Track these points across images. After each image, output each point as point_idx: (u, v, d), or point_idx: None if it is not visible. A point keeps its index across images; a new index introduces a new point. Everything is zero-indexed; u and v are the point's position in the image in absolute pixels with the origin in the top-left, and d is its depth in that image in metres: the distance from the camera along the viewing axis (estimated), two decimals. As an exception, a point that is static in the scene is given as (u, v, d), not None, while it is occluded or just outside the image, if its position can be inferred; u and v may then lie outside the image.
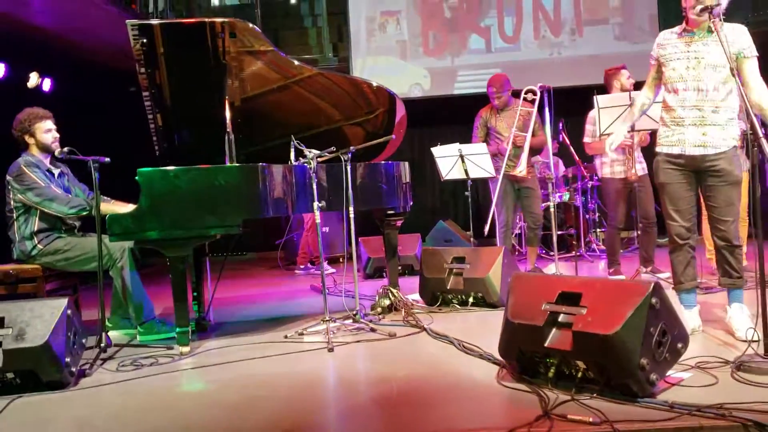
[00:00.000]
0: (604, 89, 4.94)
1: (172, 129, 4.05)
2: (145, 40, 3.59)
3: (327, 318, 3.63)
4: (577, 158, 6.89)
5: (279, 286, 6.15)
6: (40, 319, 2.85)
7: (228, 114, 3.82)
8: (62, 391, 2.87)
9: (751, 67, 3.08)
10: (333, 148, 3.71)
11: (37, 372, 2.82)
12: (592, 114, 4.78)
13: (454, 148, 5.06)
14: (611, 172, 4.95)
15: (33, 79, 6.61)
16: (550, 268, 5.38)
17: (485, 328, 3.61)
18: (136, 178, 3.36)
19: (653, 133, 4.46)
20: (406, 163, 4.49)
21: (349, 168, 3.79)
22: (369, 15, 8.65)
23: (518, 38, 8.50)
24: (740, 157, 3.25)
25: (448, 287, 4.29)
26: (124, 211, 3.49)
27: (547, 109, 4.86)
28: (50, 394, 2.84)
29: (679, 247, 3.24)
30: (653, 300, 2.33)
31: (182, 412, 2.59)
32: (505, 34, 8.54)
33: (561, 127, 6.75)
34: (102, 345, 3.44)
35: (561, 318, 2.49)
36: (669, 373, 2.46)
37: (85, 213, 3.86)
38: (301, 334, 3.72)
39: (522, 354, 2.61)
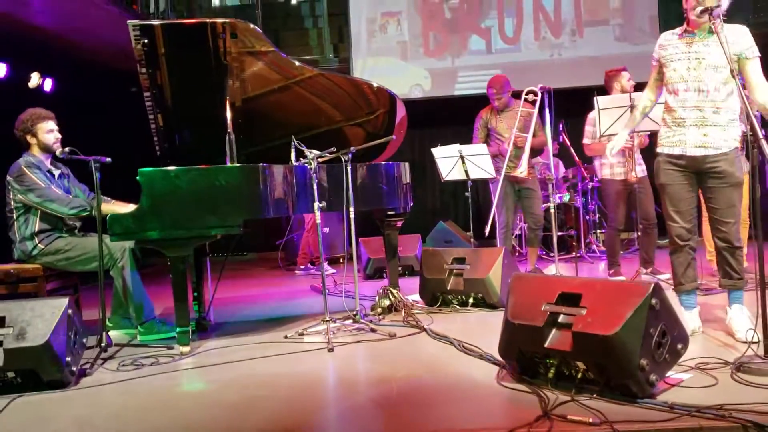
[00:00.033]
0: (604, 90, 4.94)
1: (172, 129, 4.06)
2: (146, 41, 3.60)
3: (327, 318, 3.63)
4: (577, 159, 6.90)
5: (279, 287, 6.16)
6: (41, 318, 2.85)
7: (229, 114, 3.82)
8: (63, 390, 2.88)
9: (754, 68, 3.07)
10: (333, 149, 3.72)
11: (37, 371, 2.83)
12: (592, 115, 4.78)
13: (454, 148, 5.06)
14: (611, 173, 4.95)
15: (34, 79, 6.62)
16: (551, 269, 5.39)
17: (485, 328, 3.61)
18: (137, 178, 3.37)
19: (652, 135, 4.47)
20: (407, 164, 4.49)
21: (349, 168, 3.80)
22: (370, 16, 8.66)
23: (519, 39, 8.51)
24: (741, 158, 3.25)
25: (448, 288, 4.30)
26: (125, 211, 3.50)
27: (547, 110, 4.86)
28: (51, 393, 2.85)
29: (680, 249, 3.24)
30: (653, 301, 2.33)
31: (182, 411, 2.59)
32: (505, 35, 8.54)
33: (561, 128, 6.75)
34: (102, 345, 3.44)
35: (561, 319, 2.49)
36: (669, 374, 2.46)
37: (85, 214, 3.87)
38: (302, 334, 3.72)
39: (522, 354, 2.61)
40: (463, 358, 3.10)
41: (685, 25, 3.17)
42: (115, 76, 7.47)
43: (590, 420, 2.14)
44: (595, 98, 4.44)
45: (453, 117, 8.47)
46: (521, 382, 2.60)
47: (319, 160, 3.68)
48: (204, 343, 3.71)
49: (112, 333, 3.87)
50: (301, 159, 3.72)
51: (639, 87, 4.64)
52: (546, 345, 2.48)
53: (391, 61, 8.63)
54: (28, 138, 3.92)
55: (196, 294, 4.15)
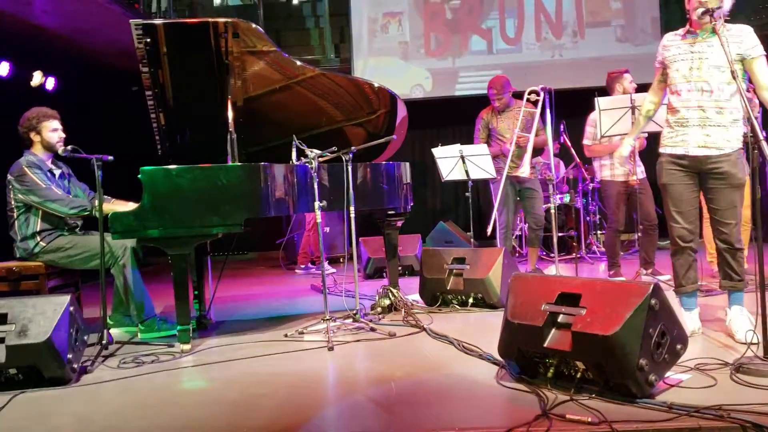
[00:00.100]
0: (605, 92, 4.94)
1: (174, 128, 4.06)
2: (148, 40, 3.60)
3: (327, 317, 3.64)
4: (578, 160, 6.90)
5: (280, 286, 6.17)
6: (42, 315, 2.86)
7: (230, 113, 3.83)
8: (64, 387, 2.89)
9: (760, 66, 3.06)
10: (334, 148, 3.73)
11: (39, 368, 2.84)
12: (593, 116, 4.78)
13: (455, 149, 5.07)
14: (611, 174, 4.95)
15: (36, 77, 6.63)
16: (551, 270, 5.39)
17: (485, 328, 3.62)
18: (139, 176, 3.38)
19: (649, 137, 4.47)
20: (407, 164, 4.50)
21: (350, 168, 3.81)
22: (371, 16, 8.68)
23: (520, 40, 8.52)
24: (743, 159, 3.25)
25: (448, 288, 4.31)
26: (124, 209, 3.51)
27: (548, 111, 4.87)
28: (52, 390, 2.86)
29: (681, 250, 3.23)
30: (652, 301, 2.33)
31: (183, 409, 2.60)
32: (506, 35, 8.55)
33: (562, 129, 6.76)
34: (103, 342, 3.46)
35: (560, 318, 2.50)
36: (668, 374, 2.47)
37: (85, 213, 3.88)
38: (302, 333, 3.73)
39: (521, 354, 2.62)
40: (463, 357, 3.10)
41: (687, 26, 3.18)
42: (117, 75, 7.49)
43: (589, 419, 2.14)
44: (595, 99, 4.45)
45: (454, 117, 8.49)
46: (520, 381, 2.61)
47: (319, 159, 3.69)
48: (204, 341, 3.72)
49: (113, 331, 3.89)
50: (302, 158, 3.73)
51: (641, 89, 4.65)
52: (545, 345, 2.49)
53: (392, 61, 8.64)
54: (32, 135, 3.93)
55: (196, 292, 4.16)
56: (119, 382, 2.97)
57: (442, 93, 8.58)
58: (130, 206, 3.69)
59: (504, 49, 8.55)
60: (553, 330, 2.50)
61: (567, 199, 7.23)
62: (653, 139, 3.61)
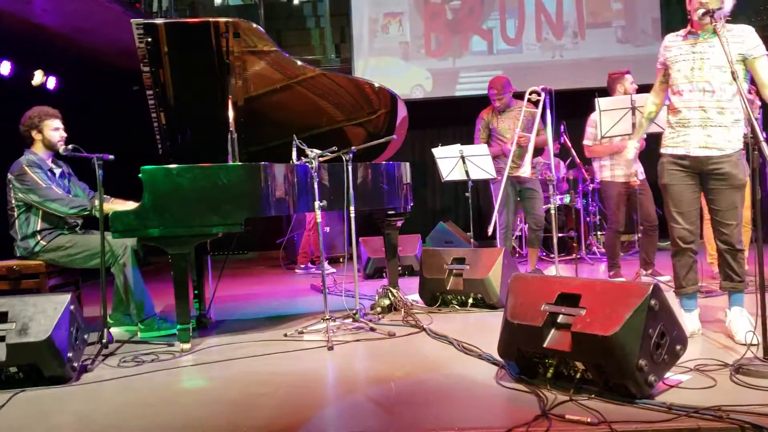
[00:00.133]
0: (606, 92, 4.95)
1: (175, 128, 4.07)
2: (149, 39, 3.61)
3: (327, 317, 3.64)
4: (578, 161, 6.90)
5: (280, 285, 6.17)
6: (43, 314, 2.86)
7: (231, 113, 3.83)
8: (64, 386, 2.89)
9: (762, 66, 3.06)
10: (334, 148, 3.73)
11: (39, 366, 2.84)
12: (594, 116, 4.78)
13: (455, 149, 5.07)
14: (612, 175, 4.94)
15: (38, 76, 6.63)
16: (551, 271, 5.39)
17: (484, 328, 3.62)
18: (140, 175, 3.38)
19: (649, 138, 4.47)
20: (407, 164, 4.50)
21: (350, 168, 3.81)
22: (372, 16, 8.68)
23: (520, 40, 8.52)
24: (744, 160, 3.25)
25: (448, 288, 4.31)
26: (124, 208, 3.51)
27: (548, 111, 4.87)
28: (52, 388, 2.86)
29: (682, 251, 3.22)
30: (652, 302, 2.34)
31: (182, 408, 2.60)
32: (507, 36, 8.56)
33: (562, 130, 6.76)
34: (104, 341, 3.46)
35: (560, 319, 2.50)
36: (668, 375, 2.47)
37: (85, 213, 3.89)
38: (301, 332, 3.73)
39: (521, 354, 2.62)
40: (463, 357, 3.10)
41: (689, 27, 3.18)
42: (118, 74, 7.49)
43: (588, 420, 2.14)
44: (596, 99, 4.45)
45: (454, 118, 8.49)
46: (520, 381, 2.61)
47: (320, 159, 3.69)
48: (204, 340, 3.72)
49: (113, 330, 3.89)
50: (303, 158, 3.73)
51: (642, 90, 4.65)
52: (545, 345, 2.49)
53: (392, 61, 8.65)
54: (34, 134, 3.94)
55: (196, 292, 4.16)
56: (119, 381, 2.97)
57: (442, 93, 8.59)
58: (129, 205, 3.70)
59: (504, 49, 8.55)
60: (553, 330, 2.50)
61: (567, 199, 7.23)
62: (653, 139, 3.61)
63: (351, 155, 3.80)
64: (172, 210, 3.39)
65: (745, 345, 2.79)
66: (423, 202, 8.91)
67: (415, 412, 2.42)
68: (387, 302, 4.27)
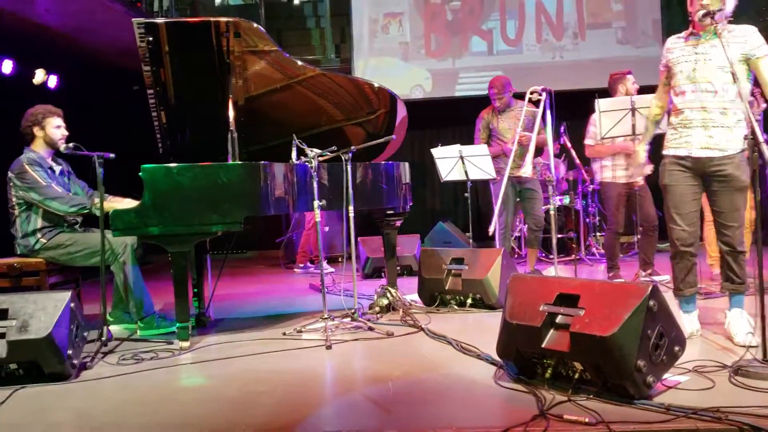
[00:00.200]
0: (606, 93, 4.95)
1: (175, 127, 4.07)
2: (150, 39, 3.61)
3: (325, 316, 3.65)
4: (578, 161, 6.91)
5: (278, 284, 6.18)
6: (43, 311, 2.87)
7: (231, 112, 3.84)
8: (64, 382, 2.89)
9: (765, 65, 3.05)
10: (334, 148, 3.74)
11: (39, 363, 2.85)
12: (596, 116, 4.79)
13: (454, 149, 5.07)
14: (612, 176, 4.93)
15: (39, 75, 6.64)
16: (550, 271, 5.40)
17: (483, 328, 3.63)
18: (140, 174, 3.39)
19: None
20: (407, 164, 4.51)
21: (349, 167, 3.82)
22: (372, 16, 8.68)
23: (520, 41, 8.52)
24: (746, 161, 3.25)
25: (447, 288, 4.31)
26: (122, 206, 3.52)
27: (548, 112, 4.87)
28: (52, 385, 2.86)
29: (681, 254, 3.21)
30: (651, 302, 2.34)
31: (181, 405, 2.61)
32: (507, 36, 8.56)
33: (563, 131, 6.77)
34: (103, 339, 3.47)
35: (559, 319, 2.50)
36: (666, 376, 2.48)
37: (85, 211, 3.90)
38: (300, 331, 3.73)
39: (520, 355, 2.62)
40: (461, 357, 3.11)
41: (690, 28, 3.19)
42: (119, 73, 7.50)
43: (586, 420, 2.15)
44: (596, 100, 4.46)
45: (454, 118, 8.49)
46: (518, 382, 2.61)
47: (319, 158, 3.69)
48: (203, 338, 3.73)
49: (112, 327, 3.90)
50: (302, 157, 3.73)
51: (643, 91, 4.66)
52: (543, 345, 2.49)
53: (392, 61, 8.65)
54: (35, 130, 3.94)
55: (196, 290, 4.17)
56: (118, 379, 2.98)
57: (442, 94, 8.59)
58: (127, 202, 3.71)
59: (504, 50, 8.55)
60: (552, 331, 2.51)
61: (567, 200, 7.24)
62: (655, 141, 3.61)
63: (350, 155, 3.81)
64: (172, 208, 3.40)
65: (744, 347, 2.79)
66: (422, 202, 8.92)
67: (412, 412, 2.43)
68: (385, 302, 4.28)
